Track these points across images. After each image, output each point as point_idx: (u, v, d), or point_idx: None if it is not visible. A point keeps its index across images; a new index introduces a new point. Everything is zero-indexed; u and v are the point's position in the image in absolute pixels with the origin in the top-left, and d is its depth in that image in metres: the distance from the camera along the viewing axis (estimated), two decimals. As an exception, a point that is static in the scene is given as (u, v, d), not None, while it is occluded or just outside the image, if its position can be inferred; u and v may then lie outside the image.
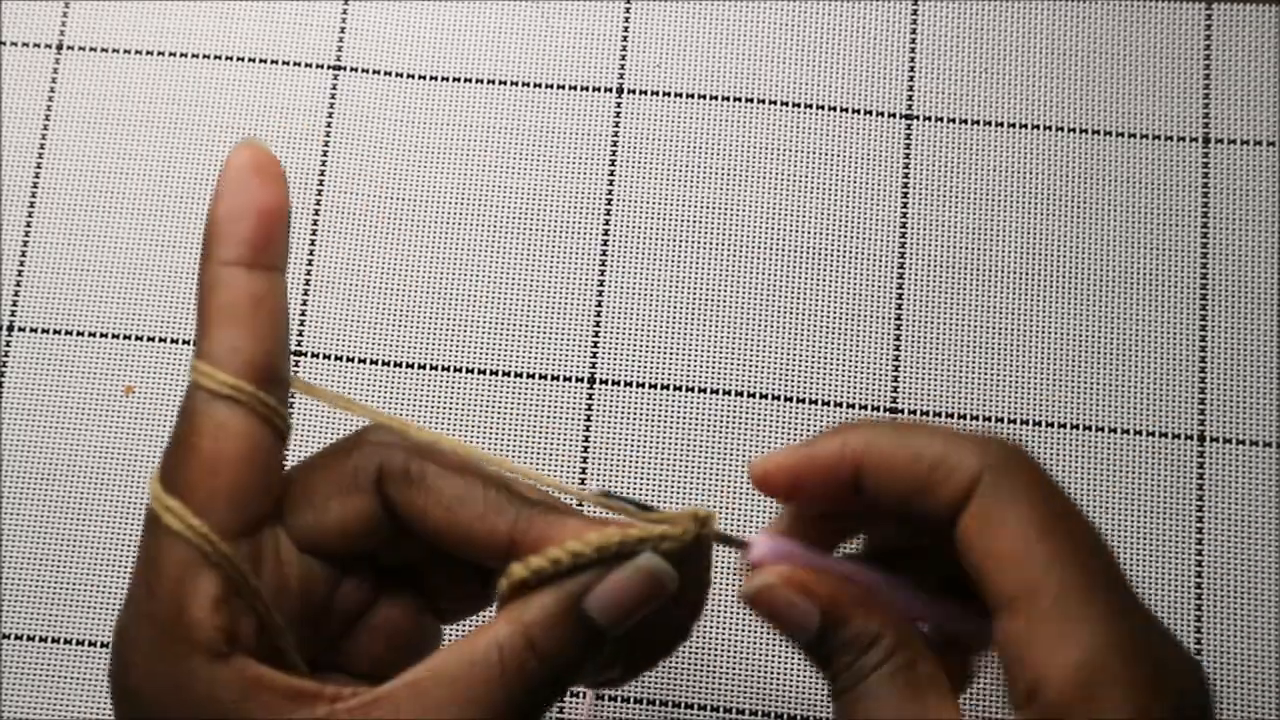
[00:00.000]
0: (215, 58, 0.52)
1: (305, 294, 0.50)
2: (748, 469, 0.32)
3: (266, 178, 0.30)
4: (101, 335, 0.50)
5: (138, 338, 0.50)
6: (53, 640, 0.47)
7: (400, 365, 0.49)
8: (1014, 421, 0.49)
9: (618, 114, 0.52)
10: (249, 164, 0.30)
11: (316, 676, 0.30)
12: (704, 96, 0.52)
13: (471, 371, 0.49)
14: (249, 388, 0.29)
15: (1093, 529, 0.29)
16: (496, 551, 0.31)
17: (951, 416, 0.49)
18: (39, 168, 0.51)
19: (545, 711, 0.30)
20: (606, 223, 0.51)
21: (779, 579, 0.31)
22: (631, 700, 0.46)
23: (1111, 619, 0.27)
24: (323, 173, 0.51)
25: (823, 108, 0.52)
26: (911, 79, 0.52)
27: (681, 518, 0.31)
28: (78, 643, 0.47)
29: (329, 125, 0.52)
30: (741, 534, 0.33)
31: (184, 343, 0.50)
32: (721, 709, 0.46)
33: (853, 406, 0.49)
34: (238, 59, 0.52)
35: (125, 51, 0.52)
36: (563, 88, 0.52)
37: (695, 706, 0.46)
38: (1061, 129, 0.51)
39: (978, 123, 0.51)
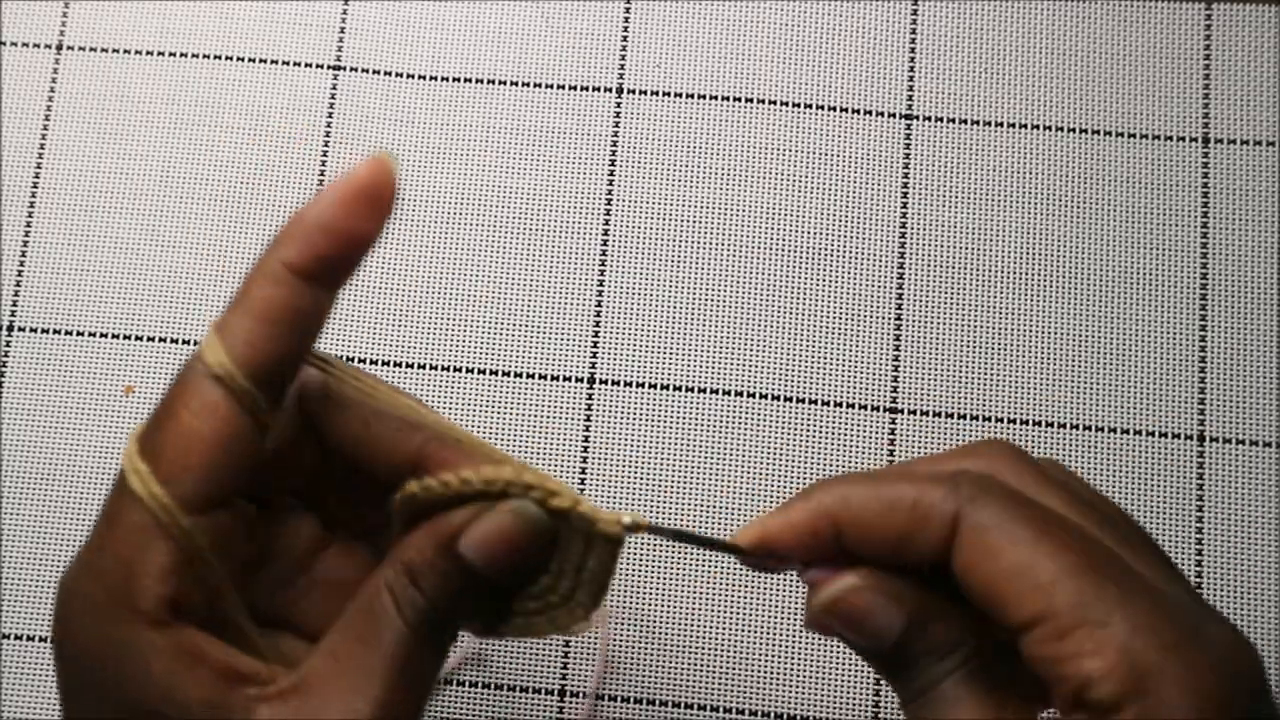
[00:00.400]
0: (215, 58, 0.52)
1: (305, 294, 0.50)
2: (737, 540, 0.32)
3: (369, 205, 0.29)
4: (101, 335, 0.50)
5: (138, 338, 0.50)
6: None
7: (400, 365, 0.49)
8: (1014, 421, 0.49)
9: (618, 114, 0.52)
10: (362, 183, 0.29)
11: (264, 635, 0.31)
12: (704, 96, 0.52)
13: (471, 371, 0.49)
14: (244, 382, 0.29)
15: (1085, 518, 0.29)
16: (404, 468, 0.31)
17: (951, 416, 0.49)
18: (39, 168, 0.51)
19: (447, 652, 0.31)
20: (606, 223, 0.51)
21: (864, 580, 0.30)
22: (631, 700, 0.46)
23: (1136, 609, 0.26)
24: (323, 173, 0.51)
25: (823, 108, 0.52)
26: (911, 79, 0.52)
27: (601, 514, 0.31)
28: (78, 643, 0.47)
29: (329, 125, 0.52)
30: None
31: (184, 343, 0.50)
32: (721, 709, 0.46)
33: (852, 406, 0.49)
34: (238, 59, 0.52)
35: (125, 51, 0.52)
36: (563, 88, 0.52)
37: (695, 706, 0.46)
38: (1061, 129, 0.51)
39: (978, 123, 0.51)
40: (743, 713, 0.46)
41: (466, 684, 0.47)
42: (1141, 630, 0.26)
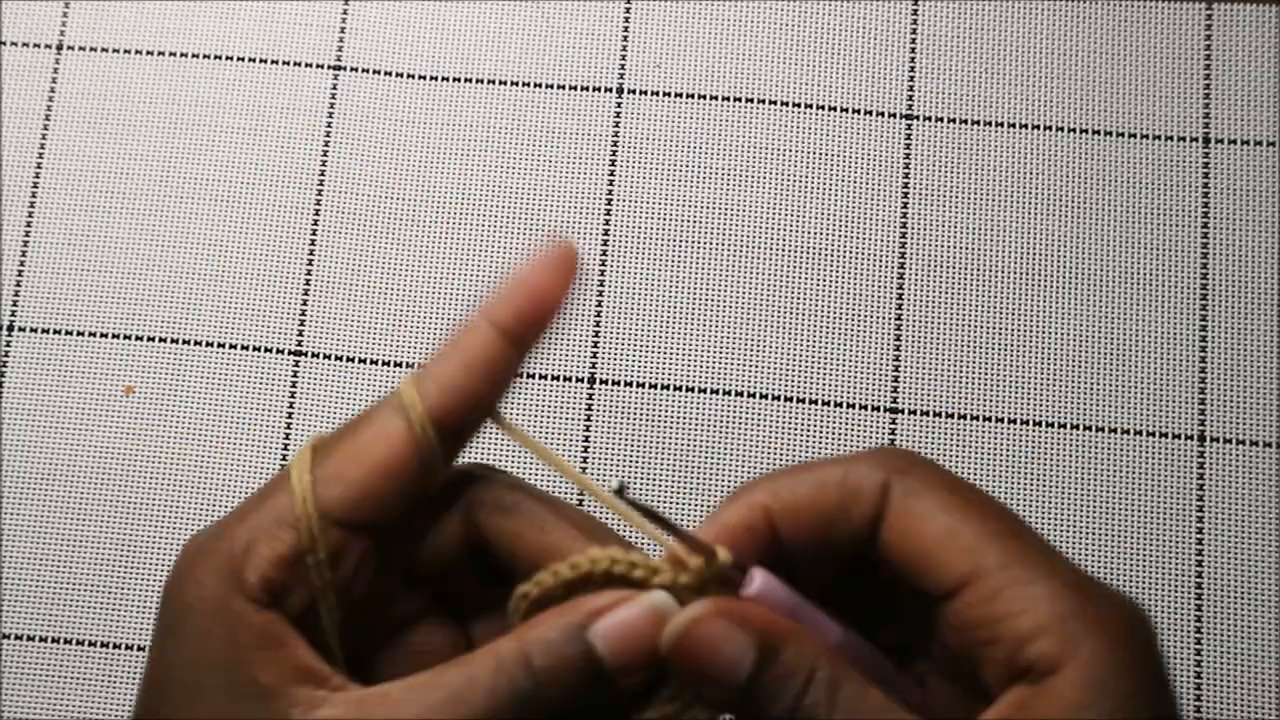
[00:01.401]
0: (215, 58, 0.52)
1: (305, 294, 0.50)
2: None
3: (561, 274, 0.32)
4: (101, 335, 0.50)
5: (138, 338, 0.50)
6: (53, 640, 0.47)
7: (400, 365, 0.49)
8: (1014, 421, 0.49)
9: (618, 114, 0.52)
10: (559, 258, 0.32)
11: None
12: (704, 96, 0.52)
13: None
14: (426, 422, 0.30)
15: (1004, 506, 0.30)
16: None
17: (951, 416, 0.49)
18: (39, 168, 0.51)
19: None
20: (606, 223, 0.51)
21: (708, 610, 0.29)
22: (631, 700, 0.46)
23: (1061, 574, 0.28)
24: (323, 173, 0.51)
25: (823, 108, 0.52)
26: (911, 79, 0.52)
27: (699, 549, 0.29)
28: (78, 643, 0.47)
29: (329, 125, 0.52)
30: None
31: (184, 343, 0.50)
32: (721, 709, 0.46)
33: (853, 406, 0.49)
34: (238, 59, 0.52)
35: (125, 51, 0.52)
36: (563, 88, 0.52)
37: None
38: (1061, 129, 0.51)
39: (978, 123, 0.51)
40: (743, 713, 0.46)
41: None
42: (1067, 589, 0.27)
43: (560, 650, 0.29)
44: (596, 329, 0.50)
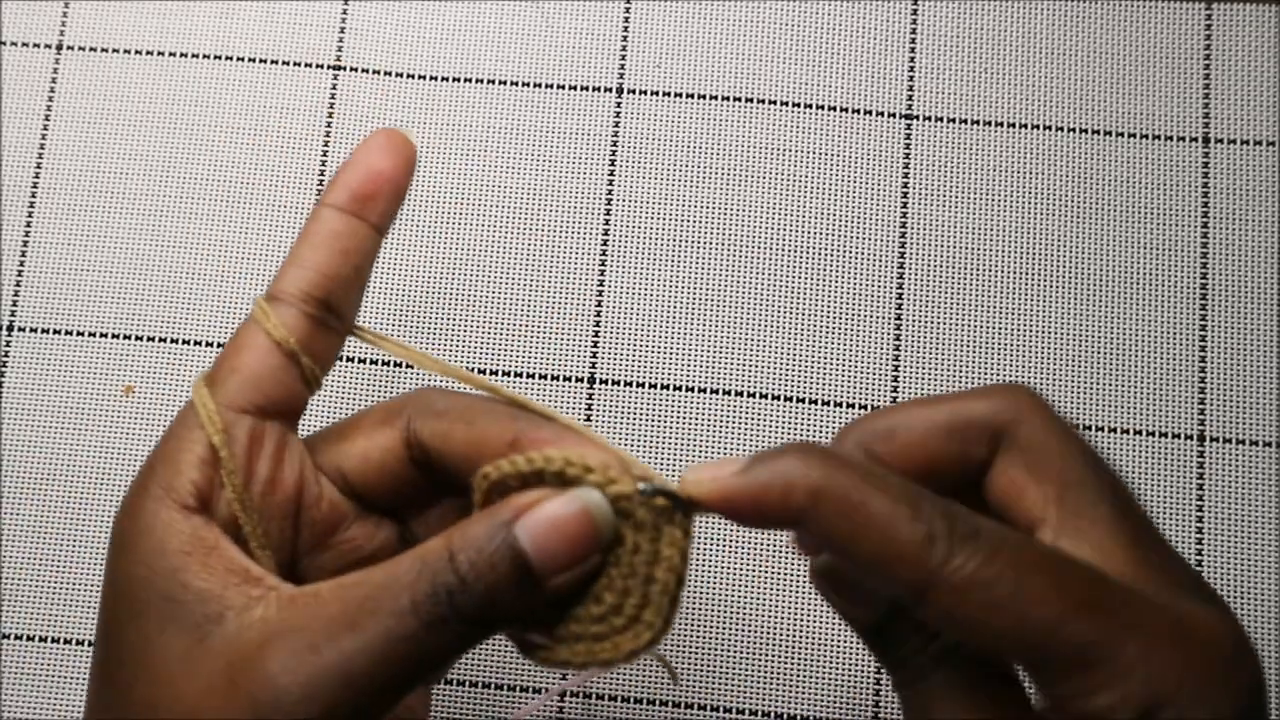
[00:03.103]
0: (215, 58, 0.52)
1: (305, 294, 0.50)
2: (682, 478, 0.30)
3: (390, 149, 0.34)
4: (101, 335, 0.50)
5: (138, 338, 0.50)
6: (53, 640, 0.47)
7: (400, 365, 0.49)
8: (1014, 421, 0.49)
9: (618, 114, 0.52)
10: (383, 139, 0.35)
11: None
12: (704, 96, 0.52)
13: (471, 372, 0.49)
14: (279, 325, 0.32)
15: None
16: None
17: (951, 416, 0.49)
18: (39, 168, 0.51)
19: (464, 647, 0.29)
20: (606, 223, 0.51)
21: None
22: (632, 700, 0.46)
23: (1142, 638, 0.26)
24: (323, 173, 0.51)
25: (823, 108, 0.52)
26: (911, 79, 0.52)
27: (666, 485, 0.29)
28: (78, 643, 0.47)
29: (329, 125, 0.52)
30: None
31: (184, 342, 0.50)
32: (721, 709, 0.46)
33: (853, 406, 0.49)
34: (238, 59, 0.52)
35: (125, 51, 0.52)
36: (563, 88, 0.52)
37: (695, 706, 0.46)
38: (1061, 129, 0.51)
39: (978, 123, 0.51)
40: (743, 713, 0.46)
41: (466, 684, 0.47)
42: (1142, 670, 0.26)
43: (484, 545, 0.28)
44: (596, 329, 0.50)
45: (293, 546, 0.33)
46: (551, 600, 0.29)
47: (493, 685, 0.47)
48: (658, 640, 0.30)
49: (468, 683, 0.47)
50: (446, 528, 0.32)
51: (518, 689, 0.47)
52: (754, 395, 0.49)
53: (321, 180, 0.51)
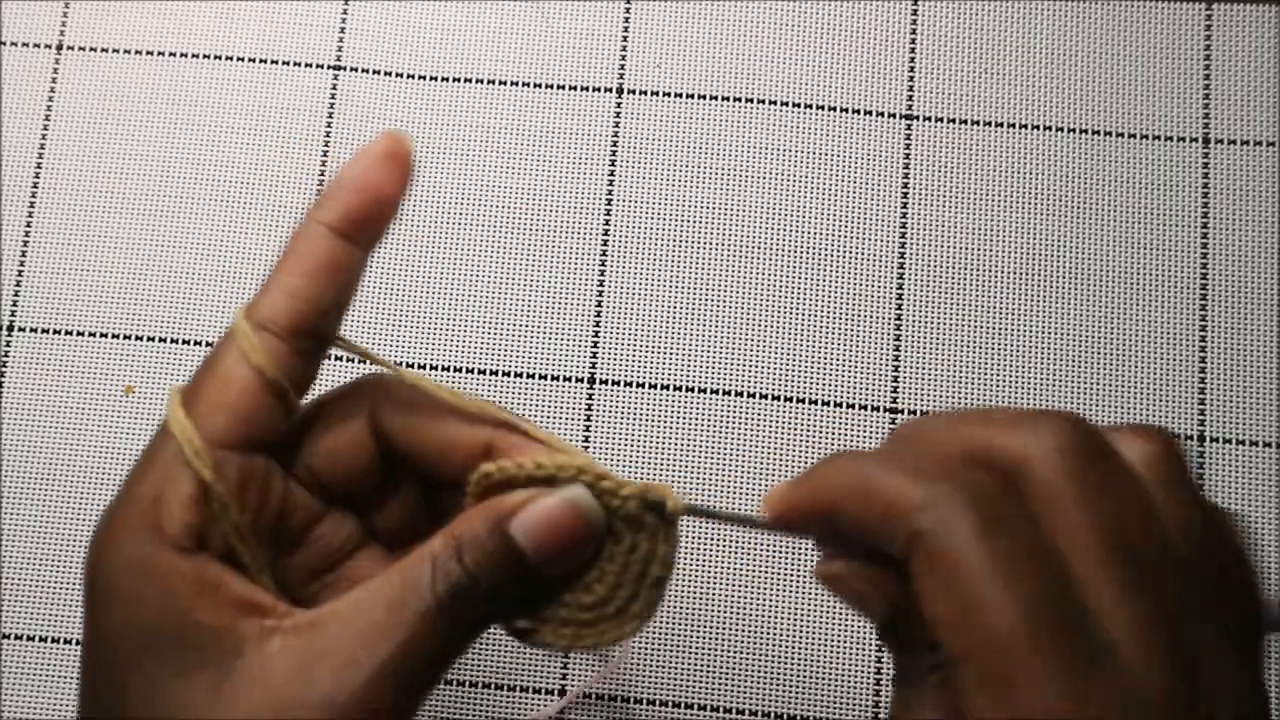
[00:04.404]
0: (215, 58, 0.52)
1: (305, 294, 0.50)
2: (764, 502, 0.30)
3: (388, 165, 0.33)
4: (101, 335, 0.50)
5: (138, 338, 0.50)
6: (53, 640, 0.47)
7: (400, 365, 0.49)
8: (1014, 421, 0.49)
9: (618, 114, 0.52)
10: (381, 149, 0.33)
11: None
12: (704, 96, 0.52)
13: (471, 371, 0.49)
14: (271, 363, 0.31)
15: (1101, 548, 0.25)
16: (475, 462, 0.33)
17: (951, 416, 0.49)
18: (39, 168, 0.51)
19: (473, 637, 0.31)
20: (606, 223, 0.51)
21: (848, 571, 0.29)
22: (632, 700, 0.46)
23: (1056, 685, 0.23)
24: (323, 173, 0.51)
25: (823, 108, 0.52)
26: (911, 79, 0.52)
27: (656, 490, 0.31)
28: (78, 643, 0.47)
29: (329, 125, 0.52)
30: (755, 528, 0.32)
31: (184, 343, 0.50)
32: (721, 709, 0.46)
33: (852, 406, 0.49)
34: (238, 59, 0.52)
35: (125, 51, 0.52)
36: (563, 88, 0.52)
37: (695, 706, 0.46)
38: (1061, 129, 0.51)
39: (978, 123, 0.51)
40: (743, 713, 0.46)
41: (466, 684, 0.47)
42: (1059, 694, 0.23)
43: (487, 542, 0.30)
44: (596, 329, 0.50)
45: (274, 556, 0.33)
46: (544, 588, 0.32)
47: (493, 685, 0.47)
48: (639, 630, 0.32)
49: (468, 683, 0.47)
50: (407, 519, 0.34)
51: (518, 689, 0.47)
52: (754, 395, 0.49)
53: (321, 180, 0.51)
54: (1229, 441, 0.48)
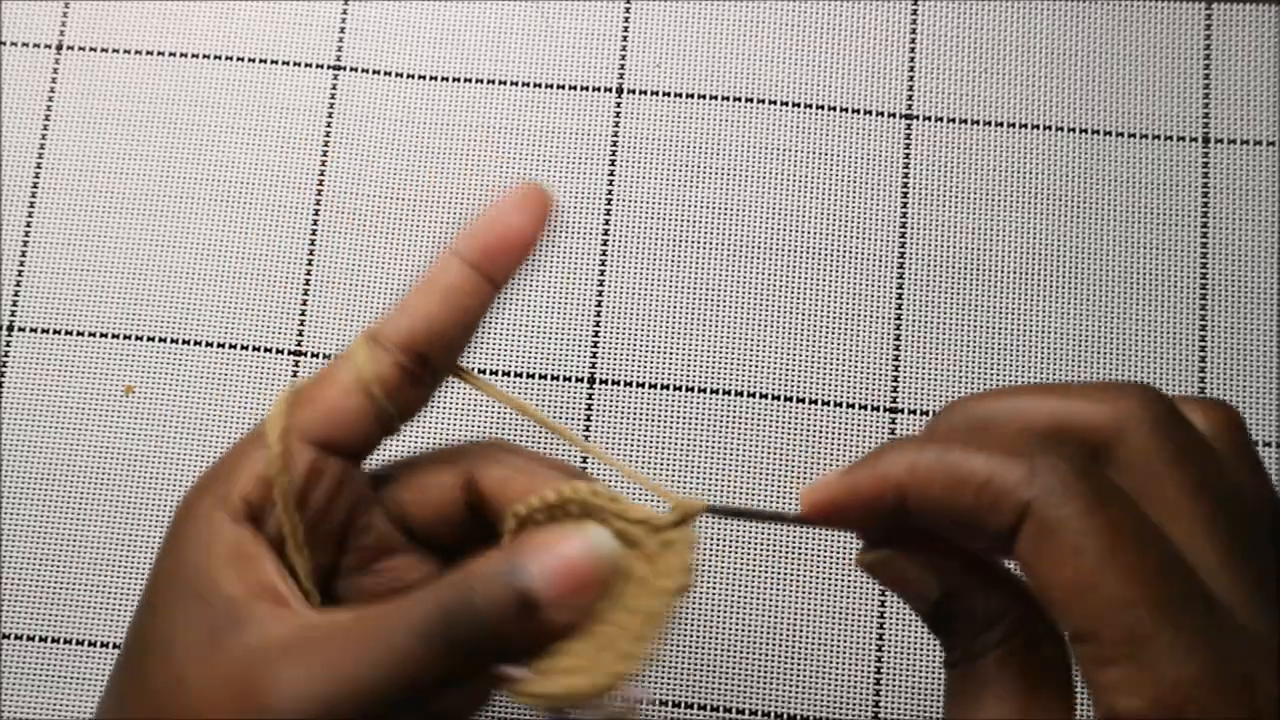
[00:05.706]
0: (215, 58, 0.52)
1: (305, 294, 0.50)
2: (801, 496, 0.30)
3: (528, 210, 0.34)
4: (101, 335, 0.50)
5: (138, 338, 0.50)
6: (53, 640, 0.47)
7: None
8: (1014, 421, 0.49)
9: (618, 114, 0.52)
10: (525, 195, 0.34)
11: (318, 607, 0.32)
12: (704, 96, 0.52)
13: (471, 371, 0.49)
14: (396, 351, 0.33)
15: (1197, 518, 0.26)
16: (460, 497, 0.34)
17: (951, 416, 0.49)
18: (39, 168, 0.51)
19: (465, 677, 0.30)
20: (606, 223, 0.51)
21: (896, 557, 0.29)
22: (631, 701, 0.46)
23: (1189, 659, 0.24)
24: (323, 173, 0.51)
25: (823, 108, 0.52)
26: (911, 79, 0.52)
27: (684, 506, 0.30)
28: (78, 643, 0.47)
29: (329, 125, 0.52)
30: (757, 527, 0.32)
31: (184, 343, 0.50)
32: (721, 709, 0.46)
33: (852, 406, 0.49)
34: (238, 59, 0.52)
35: (125, 51, 0.52)
36: (563, 88, 0.52)
37: (695, 706, 0.46)
38: (1061, 129, 0.51)
39: (978, 123, 0.51)
40: (743, 713, 0.46)
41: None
42: (1184, 685, 0.23)
43: (495, 579, 0.29)
44: (596, 329, 0.50)
45: (334, 566, 0.34)
46: (550, 636, 0.30)
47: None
48: (638, 670, 0.30)
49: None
50: None
51: (518, 689, 0.47)
52: (754, 395, 0.49)
53: (321, 180, 0.51)
54: (1229, 441, 0.48)
